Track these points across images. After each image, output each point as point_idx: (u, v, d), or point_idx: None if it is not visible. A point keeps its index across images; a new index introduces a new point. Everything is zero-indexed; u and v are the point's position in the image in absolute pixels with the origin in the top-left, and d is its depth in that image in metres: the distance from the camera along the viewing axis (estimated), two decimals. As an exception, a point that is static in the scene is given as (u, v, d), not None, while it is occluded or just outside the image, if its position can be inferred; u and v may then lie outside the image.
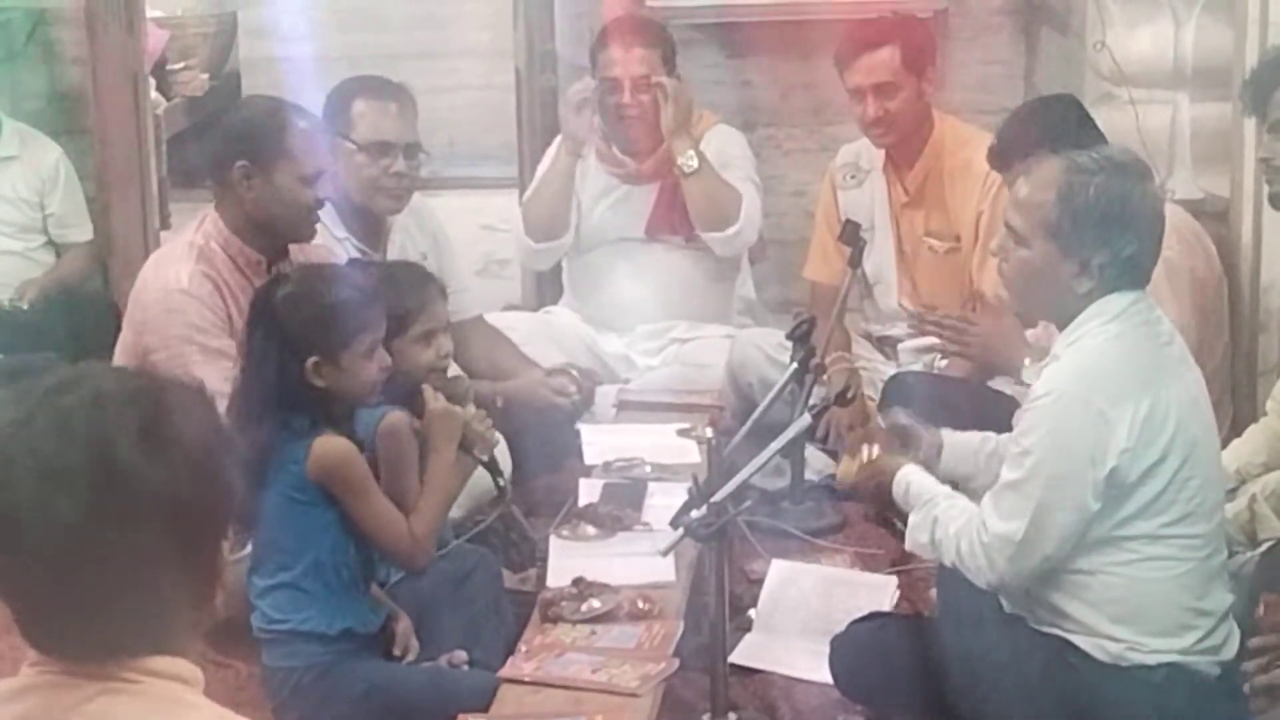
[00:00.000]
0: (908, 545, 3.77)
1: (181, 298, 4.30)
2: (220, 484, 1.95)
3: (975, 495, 4.27)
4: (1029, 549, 3.46)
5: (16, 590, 1.90)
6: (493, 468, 4.07)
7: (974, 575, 3.55)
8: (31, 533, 1.84)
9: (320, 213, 4.70)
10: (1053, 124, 4.61)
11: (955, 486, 4.09)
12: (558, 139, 5.87)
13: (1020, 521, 3.45)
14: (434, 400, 3.88)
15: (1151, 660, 3.48)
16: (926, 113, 5.55)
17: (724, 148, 5.76)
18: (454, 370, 4.44)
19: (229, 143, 4.42)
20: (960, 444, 4.09)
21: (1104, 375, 3.45)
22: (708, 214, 5.63)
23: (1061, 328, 3.57)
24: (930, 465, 4.07)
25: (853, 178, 5.72)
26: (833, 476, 5.05)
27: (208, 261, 4.35)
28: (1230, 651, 3.55)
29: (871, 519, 4.93)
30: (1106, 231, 3.47)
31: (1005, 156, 4.66)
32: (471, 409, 3.98)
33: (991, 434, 4.13)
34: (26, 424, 1.87)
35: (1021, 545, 3.46)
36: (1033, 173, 3.61)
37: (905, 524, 3.83)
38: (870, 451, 3.94)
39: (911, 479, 3.78)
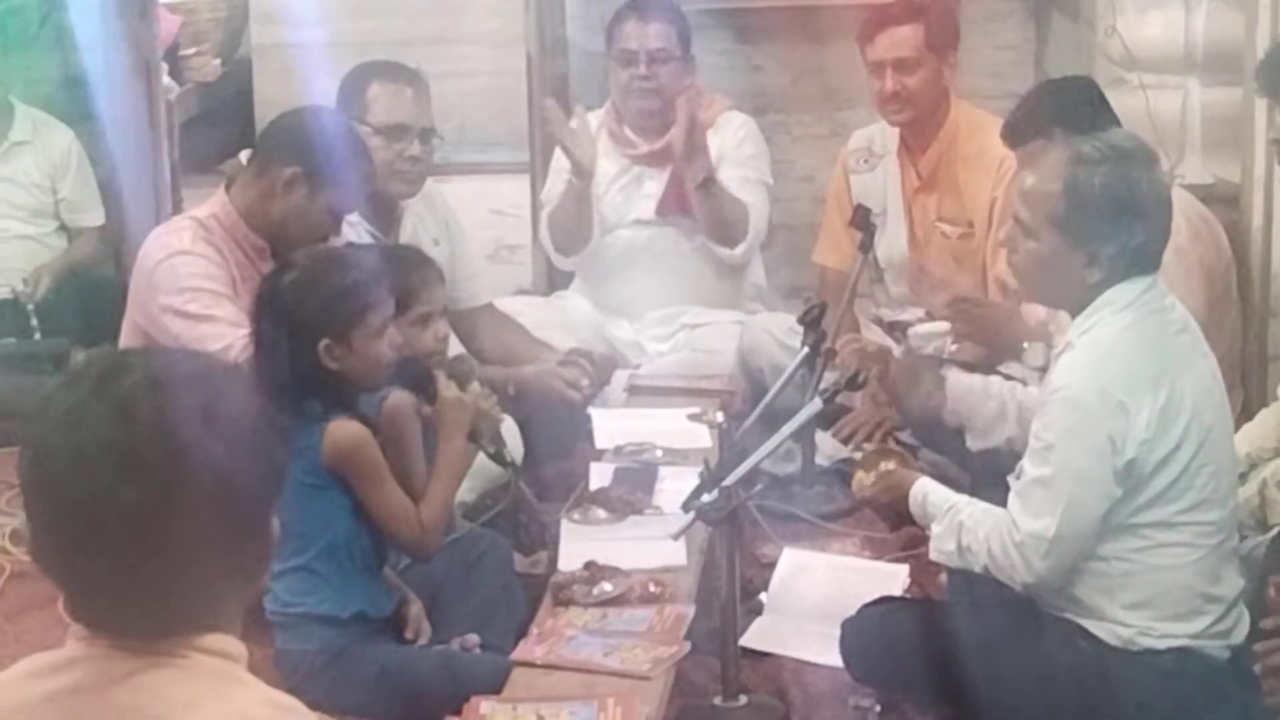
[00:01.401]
0: (932, 555, 3.75)
1: (183, 256, 4.31)
2: (272, 461, 1.98)
3: (976, 436, 4.29)
4: (1063, 544, 3.46)
5: (74, 572, 1.90)
6: (499, 459, 4.08)
7: (1009, 577, 3.53)
8: (95, 517, 1.85)
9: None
10: (1068, 104, 4.61)
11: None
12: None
13: (1051, 518, 3.44)
14: (446, 388, 3.89)
15: (1161, 645, 3.49)
16: (944, 96, 5.55)
17: (739, 143, 5.77)
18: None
19: (294, 145, 4.37)
20: (959, 384, 4.12)
21: (1121, 365, 3.46)
22: (716, 231, 5.68)
23: (1074, 315, 3.57)
24: (939, 405, 4.10)
25: (865, 162, 5.73)
26: (844, 461, 5.09)
27: (206, 235, 4.35)
28: (1240, 635, 3.56)
29: (887, 523, 4.91)
30: (1115, 221, 3.46)
31: (1019, 133, 4.67)
32: (476, 387, 3.99)
33: (995, 378, 4.16)
34: (86, 409, 1.87)
35: (1055, 541, 3.45)
36: (1038, 164, 3.61)
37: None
38: (886, 464, 3.94)
39: (929, 490, 3.78)
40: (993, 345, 5.00)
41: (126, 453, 1.84)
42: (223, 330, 4.17)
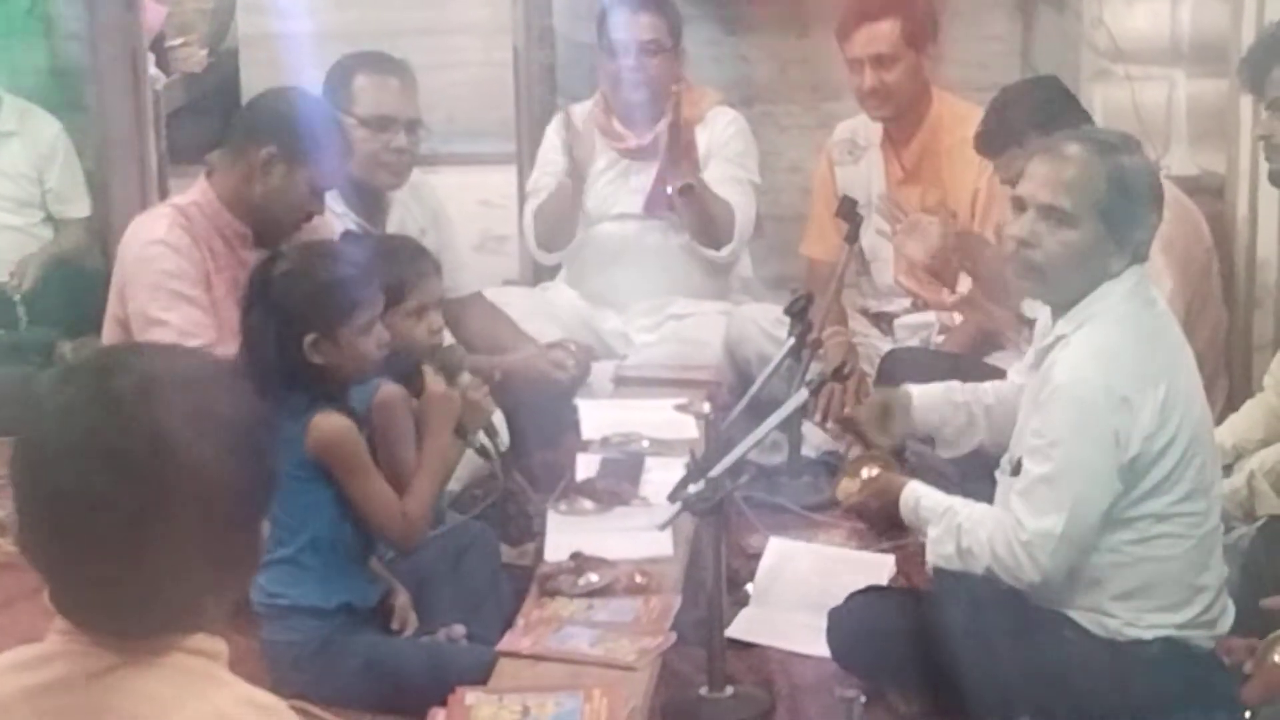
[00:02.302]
0: (930, 560, 3.72)
1: (157, 246, 4.30)
2: (263, 463, 1.97)
3: (946, 446, 4.28)
4: (1070, 541, 3.45)
5: (58, 566, 1.90)
6: (485, 453, 4.08)
7: (1013, 577, 3.52)
8: (83, 514, 1.85)
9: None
10: (1039, 106, 4.60)
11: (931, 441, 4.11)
12: (556, 116, 5.88)
13: (1058, 515, 3.44)
14: (433, 381, 3.89)
15: (1148, 635, 3.51)
16: (924, 89, 5.55)
17: (728, 140, 5.76)
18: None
19: (268, 124, 4.38)
20: (924, 397, 4.11)
21: (1124, 360, 3.46)
22: (700, 234, 5.68)
23: (1065, 310, 3.57)
24: (909, 424, 4.09)
25: (850, 154, 5.73)
26: (830, 453, 5.09)
27: (186, 222, 4.35)
28: (1225, 625, 3.58)
29: (877, 531, 4.89)
30: (1148, 205, 3.52)
31: (993, 142, 4.66)
32: (466, 377, 4.00)
33: (955, 383, 4.14)
34: (80, 405, 1.87)
35: (1062, 539, 3.44)
36: (1062, 155, 3.56)
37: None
38: (870, 470, 3.90)
39: (920, 494, 3.76)
40: (992, 288, 4.92)
41: (117, 451, 1.84)
42: (172, 338, 4.14)
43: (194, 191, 4.43)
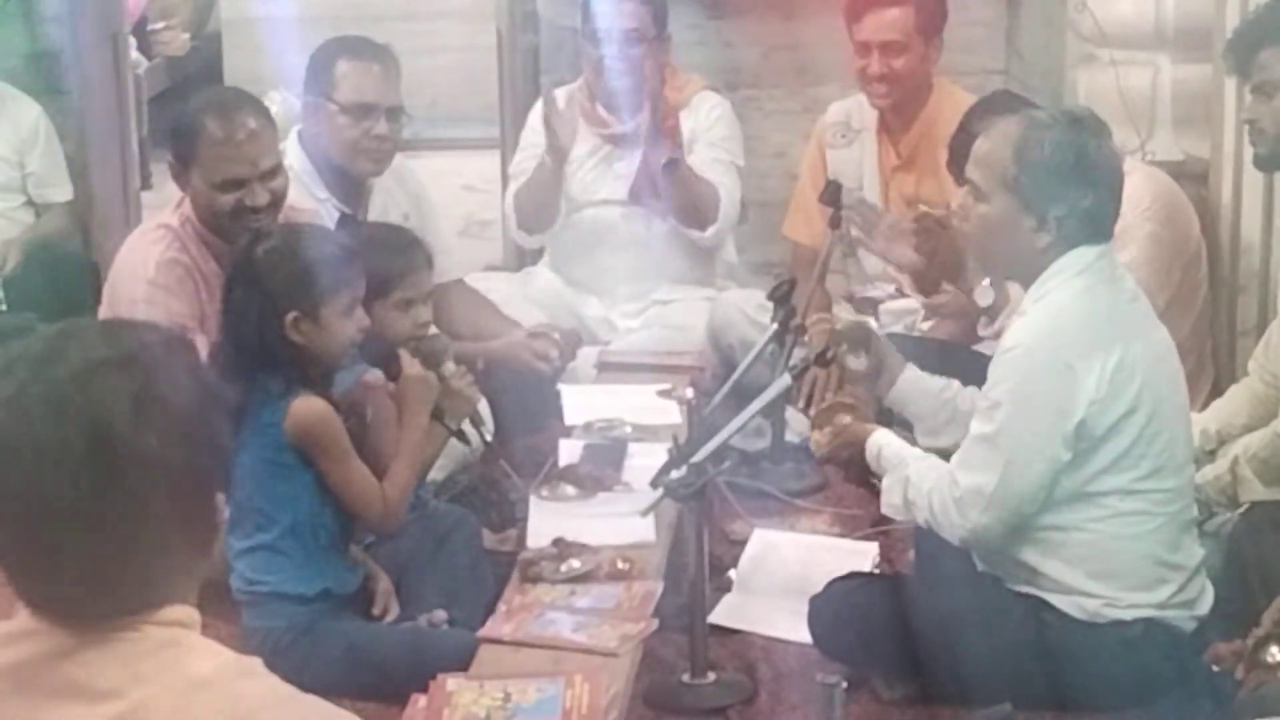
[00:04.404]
0: (883, 508, 3.82)
1: (148, 289, 4.25)
2: (213, 442, 1.95)
3: (925, 435, 4.29)
4: (1000, 501, 3.51)
5: (11, 559, 1.89)
6: (462, 437, 4.07)
7: (947, 531, 3.61)
8: (27, 507, 1.83)
9: (301, 173, 4.68)
10: (981, 117, 4.55)
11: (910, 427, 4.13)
12: (538, 103, 5.87)
13: (990, 474, 3.50)
14: (410, 365, 3.88)
15: (1128, 615, 3.53)
16: (927, 77, 5.54)
17: (713, 125, 5.75)
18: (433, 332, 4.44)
19: (169, 135, 4.42)
20: (918, 381, 4.12)
21: (1071, 328, 3.51)
22: (686, 213, 5.66)
23: (1027, 284, 3.61)
24: (880, 391, 4.11)
25: (843, 136, 5.70)
26: (815, 441, 5.09)
27: (180, 246, 4.30)
28: (1204, 607, 3.60)
29: (852, 480, 4.92)
30: (1063, 184, 3.52)
31: (953, 167, 4.63)
32: (450, 366, 3.99)
33: (955, 381, 4.16)
34: (17, 399, 1.85)
35: (993, 497, 3.51)
36: (992, 129, 3.65)
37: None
38: (842, 418, 3.96)
39: (883, 443, 3.85)
40: (952, 272, 4.94)
41: (58, 446, 1.82)
42: None
43: (185, 206, 4.35)
